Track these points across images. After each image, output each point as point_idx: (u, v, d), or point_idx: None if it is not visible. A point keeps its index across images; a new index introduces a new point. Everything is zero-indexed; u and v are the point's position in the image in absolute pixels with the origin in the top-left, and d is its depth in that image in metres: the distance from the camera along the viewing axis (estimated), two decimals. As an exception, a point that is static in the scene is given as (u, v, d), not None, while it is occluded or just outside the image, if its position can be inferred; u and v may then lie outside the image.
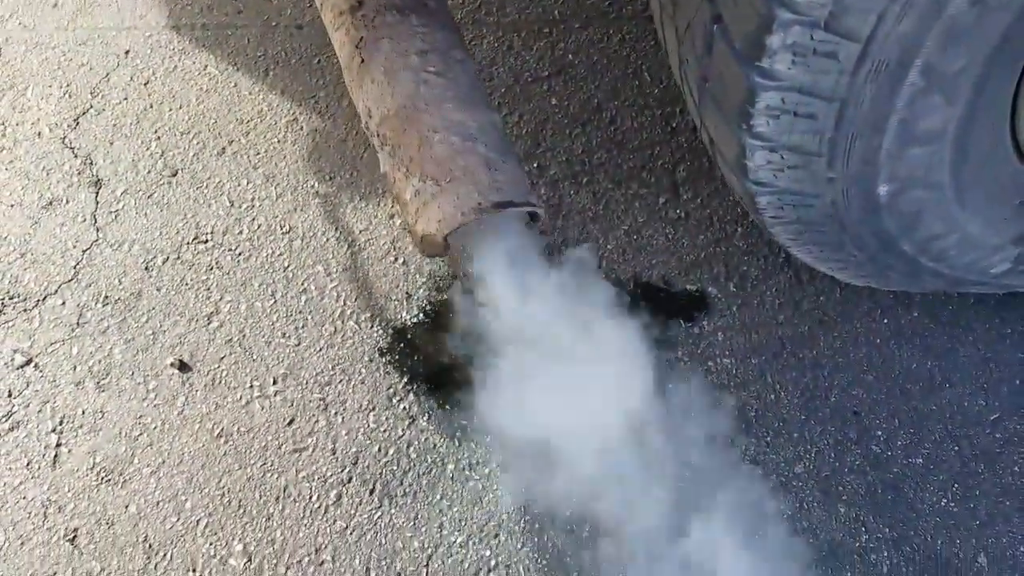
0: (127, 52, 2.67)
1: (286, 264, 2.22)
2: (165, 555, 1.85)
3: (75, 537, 1.88)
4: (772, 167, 1.43)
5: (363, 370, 2.05)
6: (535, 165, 2.33)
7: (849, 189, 1.46)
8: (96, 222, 2.32)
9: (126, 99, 2.56)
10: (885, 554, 1.79)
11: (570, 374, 1.73)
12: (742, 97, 1.32)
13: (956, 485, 1.86)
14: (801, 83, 1.27)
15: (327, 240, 2.25)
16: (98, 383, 2.06)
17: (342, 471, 1.92)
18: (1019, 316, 2.05)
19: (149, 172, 2.40)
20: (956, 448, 1.90)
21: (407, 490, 1.89)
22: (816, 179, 1.45)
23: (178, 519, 1.89)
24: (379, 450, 1.94)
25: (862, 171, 1.42)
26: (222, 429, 1.99)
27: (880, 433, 1.92)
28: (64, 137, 2.49)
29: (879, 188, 1.46)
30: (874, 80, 1.25)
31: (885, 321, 2.06)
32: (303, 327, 2.12)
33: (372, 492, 1.90)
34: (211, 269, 2.22)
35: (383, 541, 1.84)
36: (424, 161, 1.37)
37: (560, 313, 1.74)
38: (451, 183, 1.35)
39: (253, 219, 2.30)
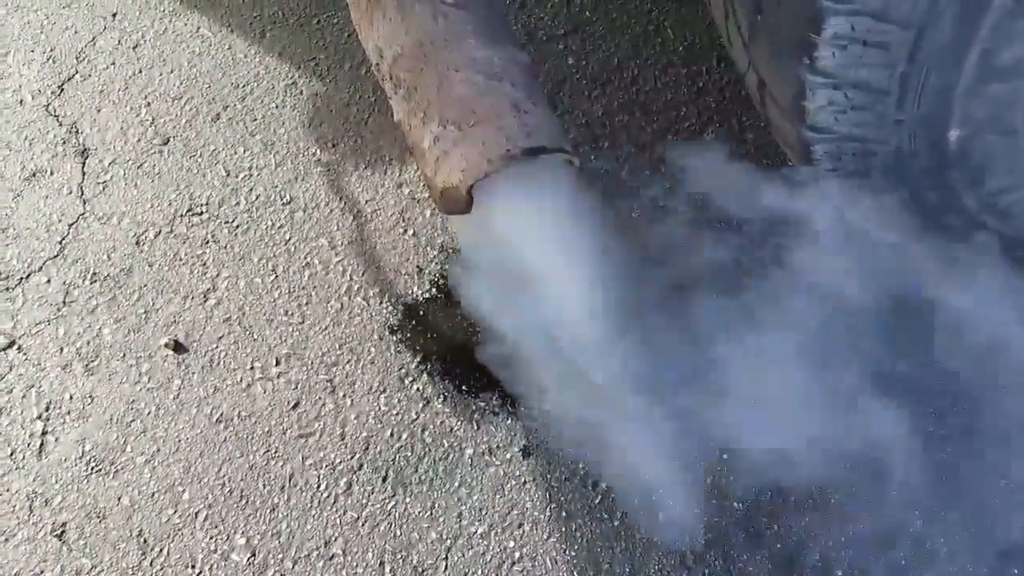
0: (114, 14, 2.53)
1: (287, 237, 2.07)
2: (161, 550, 1.71)
3: (63, 532, 1.75)
4: (834, 109, 1.29)
5: (372, 349, 1.91)
6: (553, 128, 2.18)
7: (917, 134, 1.32)
8: (83, 194, 2.17)
9: (114, 64, 2.42)
10: (942, 540, 1.65)
11: None
12: (805, 25, 1.17)
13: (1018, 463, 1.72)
14: (874, 6, 1.12)
15: (331, 211, 2.11)
16: (87, 366, 1.92)
17: (352, 457, 1.78)
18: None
19: (139, 141, 2.26)
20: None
21: (422, 477, 1.75)
22: (882, 122, 1.30)
23: (175, 511, 1.75)
24: (391, 434, 1.80)
25: (933, 112, 1.28)
26: (221, 414, 1.85)
27: (932, 410, 1.77)
28: (48, 105, 2.35)
29: (950, 132, 1.31)
30: (958, 0, 1.10)
31: (933, 290, 1.92)
32: (307, 304, 1.98)
33: (385, 480, 1.76)
34: (207, 243, 2.08)
35: (398, 532, 1.70)
36: (444, 104, 1.22)
37: None
38: (475, 127, 1.19)
39: (251, 189, 2.15)
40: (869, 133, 1.33)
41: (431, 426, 1.81)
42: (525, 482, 1.74)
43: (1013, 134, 1.34)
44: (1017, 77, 1.24)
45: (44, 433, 1.86)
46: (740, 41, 1.40)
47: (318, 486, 1.76)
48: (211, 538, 1.72)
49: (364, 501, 1.74)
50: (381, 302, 1.97)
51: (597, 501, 1.71)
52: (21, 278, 2.06)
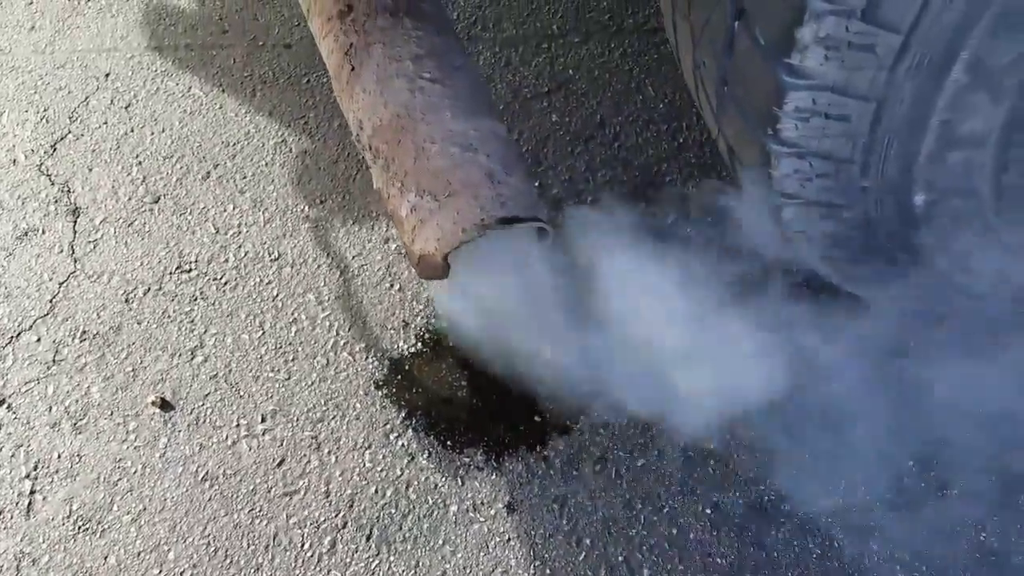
0: (107, 75, 2.57)
1: (275, 293, 2.10)
2: (146, 610, 1.71)
3: (49, 592, 1.74)
4: (800, 176, 1.32)
5: (358, 405, 1.92)
6: (536, 184, 2.22)
7: (883, 200, 1.35)
8: (74, 253, 2.20)
9: (106, 123, 2.46)
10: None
11: None
12: (768, 99, 1.21)
13: (995, 518, 1.73)
14: (834, 81, 1.16)
15: (318, 267, 2.13)
16: (75, 424, 1.93)
17: (336, 515, 1.79)
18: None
19: (130, 199, 2.29)
20: (992, 478, 1.77)
21: (406, 535, 1.76)
22: (848, 189, 1.34)
23: (160, 571, 1.75)
24: (376, 491, 1.81)
25: (898, 179, 1.31)
26: (207, 472, 1.86)
27: (911, 464, 1.79)
28: (41, 164, 2.38)
29: (915, 198, 1.34)
30: (915, 76, 1.14)
31: (912, 344, 1.94)
32: (293, 360, 1.99)
33: (369, 538, 1.76)
34: (195, 300, 2.10)
35: (382, 591, 1.70)
36: (420, 174, 1.26)
37: None
38: (450, 197, 1.23)
39: (240, 246, 2.18)
40: (836, 199, 1.36)
41: (416, 482, 1.82)
42: (509, 539, 1.74)
43: (978, 197, 1.38)
44: (975, 146, 1.27)
45: (32, 492, 1.86)
46: (709, 108, 1.44)
47: (302, 545, 1.76)
48: (195, 598, 1.72)
49: (348, 560, 1.74)
50: (367, 357, 1.99)
51: (581, 558, 1.71)
52: (11, 337, 2.07)
